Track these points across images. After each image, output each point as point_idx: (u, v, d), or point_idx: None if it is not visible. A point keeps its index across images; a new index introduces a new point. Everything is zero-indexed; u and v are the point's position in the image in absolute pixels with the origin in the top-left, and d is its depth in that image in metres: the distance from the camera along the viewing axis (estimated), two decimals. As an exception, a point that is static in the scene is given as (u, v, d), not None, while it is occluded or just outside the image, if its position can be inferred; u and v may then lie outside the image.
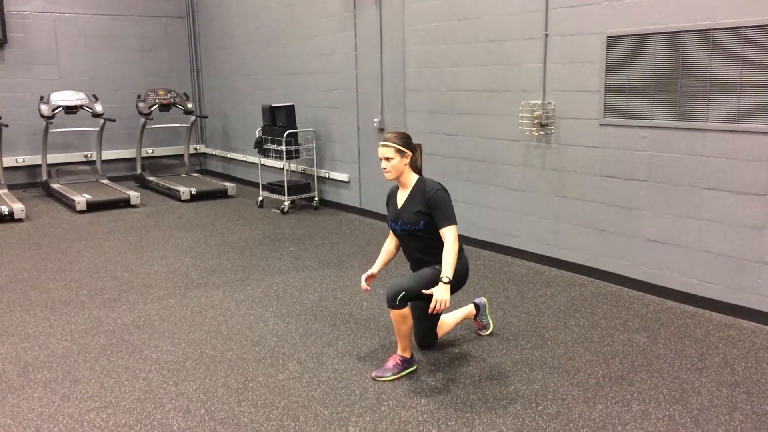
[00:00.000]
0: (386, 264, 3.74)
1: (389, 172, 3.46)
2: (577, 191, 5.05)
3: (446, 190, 3.46)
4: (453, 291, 3.40)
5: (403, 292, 3.32)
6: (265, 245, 6.22)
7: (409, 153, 3.47)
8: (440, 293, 3.24)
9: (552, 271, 5.25)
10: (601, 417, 3.05)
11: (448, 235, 3.35)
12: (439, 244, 3.41)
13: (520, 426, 2.98)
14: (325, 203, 7.95)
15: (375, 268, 3.71)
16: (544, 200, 5.32)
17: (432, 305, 3.24)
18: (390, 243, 3.74)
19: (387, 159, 3.45)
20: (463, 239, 6.03)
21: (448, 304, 3.25)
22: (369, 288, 3.69)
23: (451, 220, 3.38)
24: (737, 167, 4.12)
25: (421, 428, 2.98)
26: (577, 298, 4.63)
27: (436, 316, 3.66)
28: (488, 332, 3.99)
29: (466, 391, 3.31)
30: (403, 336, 3.46)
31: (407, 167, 3.49)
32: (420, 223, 3.41)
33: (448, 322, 3.87)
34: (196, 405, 3.22)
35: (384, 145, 3.47)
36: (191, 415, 3.12)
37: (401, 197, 3.55)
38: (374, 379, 3.45)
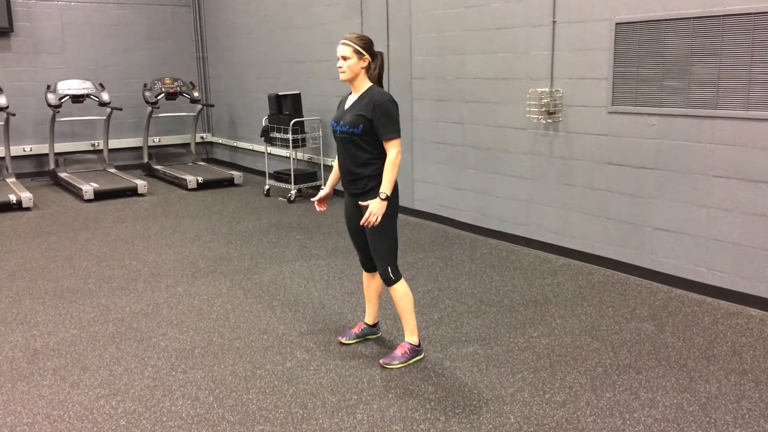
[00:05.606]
0: (337, 182, 3.73)
1: (344, 71, 3.35)
2: (585, 179, 5.03)
3: (396, 104, 3.36)
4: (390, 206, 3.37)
5: (389, 265, 3.41)
6: (272, 234, 6.23)
7: (367, 57, 3.35)
8: (375, 206, 3.27)
9: (559, 259, 5.24)
10: (609, 405, 3.06)
11: (392, 149, 3.30)
12: (372, 157, 3.35)
13: (528, 414, 2.99)
14: (331, 192, 7.94)
15: (326, 189, 3.75)
16: (551, 189, 5.30)
17: (365, 217, 3.27)
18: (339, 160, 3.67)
19: (344, 58, 3.34)
20: (470, 227, 6.08)
21: (379, 220, 3.28)
22: (325, 208, 3.75)
23: (395, 132, 3.30)
24: (747, 155, 4.09)
25: (428, 416, 2.98)
26: (584, 287, 4.62)
27: (375, 239, 3.43)
28: (350, 341, 3.79)
29: (474, 379, 3.32)
30: (407, 316, 3.50)
31: (363, 72, 3.37)
32: (359, 127, 3.31)
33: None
34: (204, 392, 3.24)
35: (343, 43, 3.35)
36: (200, 403, 3.14)
37: (350, 100, 3.45)
38: (382, 366, 3.46)
